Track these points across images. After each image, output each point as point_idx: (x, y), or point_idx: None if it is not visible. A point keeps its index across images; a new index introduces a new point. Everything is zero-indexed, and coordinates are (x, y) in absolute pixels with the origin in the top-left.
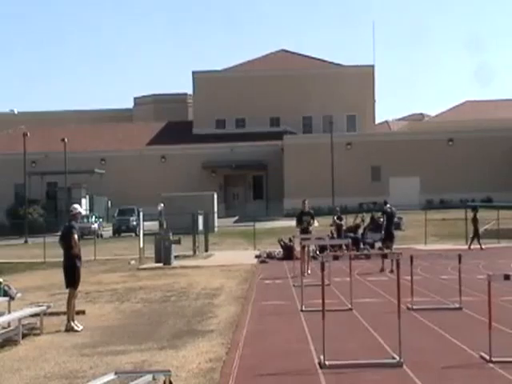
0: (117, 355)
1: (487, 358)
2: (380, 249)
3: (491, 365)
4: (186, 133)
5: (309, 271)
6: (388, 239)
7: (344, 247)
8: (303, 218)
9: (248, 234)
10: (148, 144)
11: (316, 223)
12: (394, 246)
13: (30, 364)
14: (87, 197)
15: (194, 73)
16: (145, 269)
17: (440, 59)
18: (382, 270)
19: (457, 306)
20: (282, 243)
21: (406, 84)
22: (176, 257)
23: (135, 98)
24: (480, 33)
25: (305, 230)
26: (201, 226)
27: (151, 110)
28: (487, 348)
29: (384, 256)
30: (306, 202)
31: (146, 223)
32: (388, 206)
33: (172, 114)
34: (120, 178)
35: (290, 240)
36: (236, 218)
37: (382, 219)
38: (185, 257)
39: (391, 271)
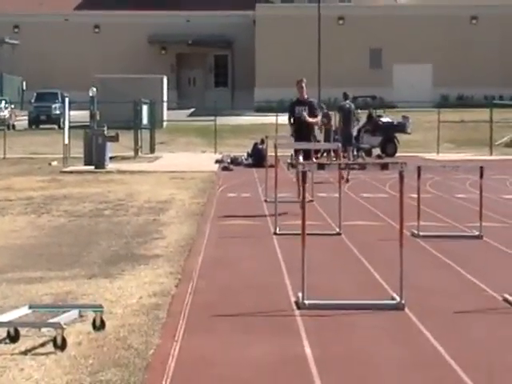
0: (32, 284)
1: None
2: (379, 156)
3: None
4: None
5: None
6: (348, 143)
7: (332, 153)
8: (296, 111)
9: (207, 132)
10: (76, 8)
11: (317, 119)
12: (397, 154)
13: None
14: None
15: None
16: (71, 172)
17: None
18: (347, 180)
19: (476, 233)
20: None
21: None
22: (112, 158)
23: None
24: None
25: (300, 134)
26: (145, 120)
27: None
28: None
29: (384, 166)
30: (304, 83)
31: (72, 113)
32: (347, 101)
33: None
34: (39, 51)
35: (263, 141)
36: (192, 110)
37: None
38: (124, 159)
39: (346, 180)
